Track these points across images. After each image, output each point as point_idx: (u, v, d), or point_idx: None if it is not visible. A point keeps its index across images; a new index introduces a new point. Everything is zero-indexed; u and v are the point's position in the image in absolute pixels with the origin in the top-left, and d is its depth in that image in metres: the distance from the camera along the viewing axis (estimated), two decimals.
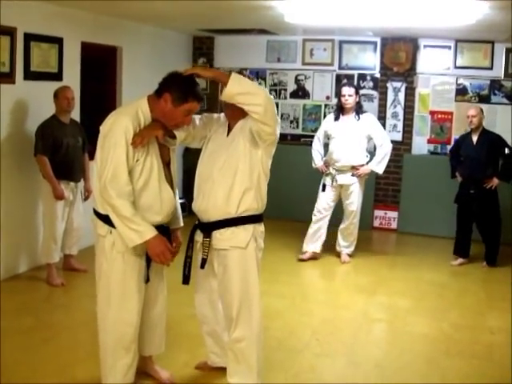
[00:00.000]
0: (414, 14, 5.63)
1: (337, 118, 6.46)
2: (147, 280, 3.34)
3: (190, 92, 3.12)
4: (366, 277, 6.14)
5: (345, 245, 6.62)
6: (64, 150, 5.47)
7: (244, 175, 3.27)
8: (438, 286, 5.88)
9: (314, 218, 6.55)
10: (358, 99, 6.40)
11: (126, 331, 3.27)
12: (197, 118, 3.43)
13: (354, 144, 6.34)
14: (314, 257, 6.54)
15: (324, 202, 6.51)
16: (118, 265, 3.21)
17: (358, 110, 6.40)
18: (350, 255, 6.62)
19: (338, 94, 6.52)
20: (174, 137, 3.31)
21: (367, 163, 6.44)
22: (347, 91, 6.32)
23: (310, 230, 6.53)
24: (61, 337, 4.42)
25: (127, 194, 3.05)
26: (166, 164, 3.30)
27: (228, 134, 3.38)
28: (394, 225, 8.12)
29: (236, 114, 3.31)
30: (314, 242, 6.53)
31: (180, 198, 3.71)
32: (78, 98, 6.28)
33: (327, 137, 6.56)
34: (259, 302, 3.42)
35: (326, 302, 5.40)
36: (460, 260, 6.56)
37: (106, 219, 3.17)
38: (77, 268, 5.88)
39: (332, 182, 6.42)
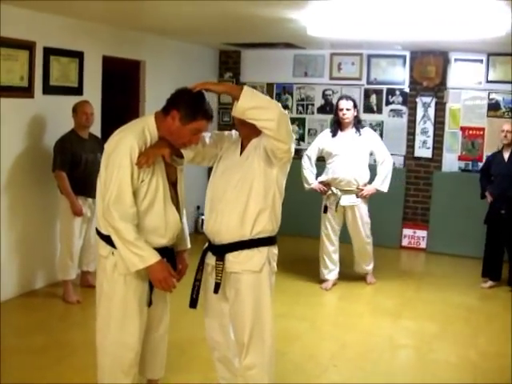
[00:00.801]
0: (443, 26, 5.45)
1: (335, 135, 6.01)
2: (150, 303, 3.21)
3: (199, 110, 2.97)
4: (391, 299, 5.91)
5: (366, 267, 6.32)
6: (83, 166, 5.40)
7: (259, 195, 3.12)
8: (465, 310, 5.63)
9: (326, 244, 6.14)
10: (356, 113, 5.95)
11: (125, 355, 3.14)
12: (206, 135, 3.28)
13: (359, 161, 5.94)
14: (335, 283, 6.22)
15: (332, 227, 6.10)
16: (119, 287, 3.08)
17: (357, 124, 5.97)
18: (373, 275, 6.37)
19: (335, 109, 6.06)
20: (181, 156, 3.17)
21: (369, 181, 6.05)
22: (345, 105, 5.88)
23: (326, 257, 6.15)
24: (75, 356, 4.31)
25: (131, 217, 2.93)
26: (173, 184, 3.16)
27: (241, 153, 3.22)
28: (423, 244, 7.87)
29: (250, 132, 3.15)
30: (332, 269, 6.17)
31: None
32: (99, 113, 6.26)
33: (324, 155, 6.08)
34: (272, 328, 3.25)
35: (347, 326, 5.19)
36: (490, 283, 6.28)
37: (108, 240, 3.05)
38: (94, 285, 5.73)
39: (336, 205, 5.97)
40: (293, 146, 3.10)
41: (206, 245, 3.33)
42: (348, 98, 6.04)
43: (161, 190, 3.03)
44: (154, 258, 2.96)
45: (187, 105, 2.94)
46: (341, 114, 5.90)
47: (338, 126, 6.02)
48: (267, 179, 3.13)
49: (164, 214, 3.06)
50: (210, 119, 3.03)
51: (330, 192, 6.00)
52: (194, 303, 3.28)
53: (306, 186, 6.10)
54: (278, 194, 3.19)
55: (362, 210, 6.08)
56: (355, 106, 5.97)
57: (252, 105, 2.89)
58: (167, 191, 3.08)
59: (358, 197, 5.98)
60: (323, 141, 6.09)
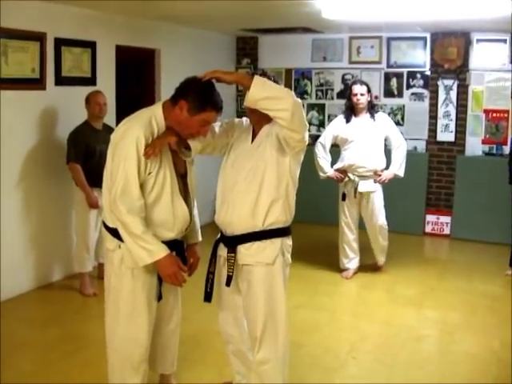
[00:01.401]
0: (464, 5, 5.26)
1: (348, 120, 5.84)
2: (160, 298, 3.13)
3: (208, 100, 2.86)
4: (413, 288, 5.77)
5: (382, 257, 6.18)
6: (97, 157, 5.32)
7: (271, 185, 3.01)
8: (490, 299, 5.47)
9: (345, 232, 6.03)
10: (369, 98, 5.79)
11: (134, 351, 3.08)
12: (216, 125, 3.18)
13: (375, 146, 5.80)
14: (355, 272, 6.11)
15: (351, 215, 5.99)
16: (127, 281, 3.01)
17: (371, 109, 5.82)
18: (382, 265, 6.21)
19: (348, 93, 5.89)
20: (189, 148, 3.07)
21: (386, 167, 5.91)
22: (359, 90, 5.71)
23: (346, 246, 6.05)
24: (88, 350, 4.27)
25: (138, 210, 2.84)
26: (182, 176, 3.07)
27: (253, 141, 3.12)
28: (446, 230, 7.70)
29: (261, 118, 3.03)
30: (352, 257, 6.08)
31: None
32: (114, 103, 6.20)
33: (338, 141, 5.94)
34: (286, 321, 3.16)
35: (367, 316, 5.08)
36: None
37: (114, 233, 2.97)
38: None
39: (355, 192, 5.82)
40: (306, 135, 3.00)
41: (219, 236, 3.24)
42: (362, 82, 5.87)
43: (168, 183, 2.95)
44: (162, 252, 2.88)
45: (196, 95, 2.84)
46: (355, 99, 5.75)
47: (351, 111, 5.87)
48: (280, 168, 3.03)
49: (172, 206, 2.97)
50: (219, 111, 2.92)
51: (347, 179, 5.86)
52: (208, 297, 3.20)
53: (321, 174, 5.95)
54: (291, 183, 3.08)
55: (378, 198, 5.93)
56: (369, 90, 5.80)
57: (264, 95, 2.79)
58: (175, 183, 2.99)
59: (375, 182, 5.86)
60: (337, 127, 5.93)
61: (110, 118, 5.86)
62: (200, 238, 3.33)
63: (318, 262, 6.39)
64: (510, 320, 4.96)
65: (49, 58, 5.38)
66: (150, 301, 3.07)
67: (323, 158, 5.90)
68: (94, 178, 5.30)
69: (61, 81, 5.54)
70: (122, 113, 6.31)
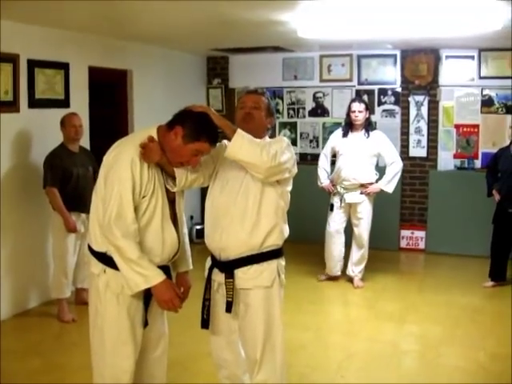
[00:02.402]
0: (434, 23, 5.37)
1: (345, 135, 6.18)
2: (145, 324, 3.04)
3: (204, 131, 2.82)
4: (393, 303, 5.79)
5: (358, 269, 6.30)
6: (74, 181, 5.26)
7: (269, 209, 3.01)
8: (471, 311, 5.52)
9: (330, 240, 6.29)
10: (367, 115, 6.11)
11: (120, 377, 2.97)
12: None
13: (363, 161, 6.06)
14: (335, 278, 6.36)
15: (336, 224, 6.24)
16: (111, 307, 2.90)
17: (368, 126, 6.14)
18: (362, 279, 6.32)
19: (347, 110, 6.20)
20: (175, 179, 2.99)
21: (376, 181, 6.17)
22: (357, 107, 6.04)
23: (327, 254, 6.35)
24: (71, 379, 4.14)
25: (133, 234, 2.76)
26: (171, 201, 3.00)
27: None
28: (421, 245, 7.77)
29: (252, 132, 2.99)
30: (335, 264, 6.33)
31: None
32: (87, 125, 6.11)
33: (334, 153, 6.29)
34: (282, 342, 3.14)
35: (352, 333, 5.06)
36: (493, 282, 6.17)
37: (99, 257, 2.89)
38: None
39: (340, 201, 6.13)
40: (293, 168, 3.06)
41: (210, 262, 3.18)
42: (361, 100, 6.26)
43: (159, 207, 2.87)
44: (158, 277, 2.80)
45: (193, 123, 2.80)
46: (353, 116, 6.07)
47: (349, 127, 6.18)
48: (270, 192, 3.02)
49: (161, 232, 2.90)
50: (213, 143, 2.88)
51: (335, 190, 6.15)
52: (205, 323, 3.14)
53: (318, 183, 6.30)
54: (283, 204, 3.09)
55: (364, 208, 6.16)
56: (367, 108, 6.13)
57: (239, 157, 2.87)
58: (166, 209, 2.92)
59: (361, 193, 6.09)
60: (334, 140, 6.29)
61: (84, 140, 5.79)
62: (191, 266, 3.24)
63: (300, 280, 6.36)
64: (493, 331, 5.02)
65: (22, 80, 5.30)
66: (135, 327, 2.97)
67: (323, 168, 6.27)
68: (72, 202, 5.24)
69: (34, 103, 5.45)
70: (96, 135, 6.30)
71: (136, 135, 2.95)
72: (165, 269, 2.97)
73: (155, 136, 2.87)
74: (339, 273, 6.36)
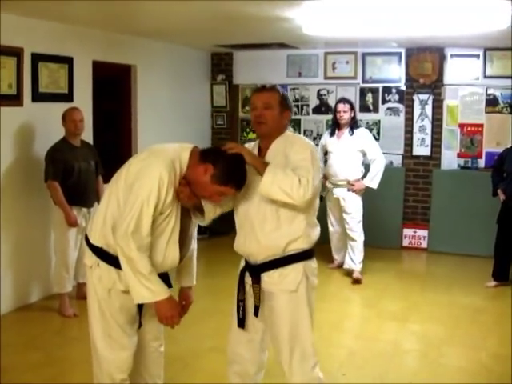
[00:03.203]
0: (439, 22, 5.34)
1: (332, 134, 6.53)
2: (140, 325, 3.03)
3: (234, 177, 2.79)
4: (395, 302, 5.77)
5: (354, 262, 6.46)
6: (76, 175, 5.25)
7: (289, 212, 2.90)
8: (473, 311, 5.50)
9: (331, 230, 6.73)
10: (353, 114, 6.41)
11: (114, 372, 2.97)
12: None
13: (349, 159, 6.37)
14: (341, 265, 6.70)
15: (333, 215, 6.68)
16: (103, 300, 2.92)
17: (353, 125, 6.41)
18: (361, 273, 6.46)
19: (334, 110, 6.54)
20: (202, 210, 2.96)
21: (362, 178, 6.41)
22: (342, 107, 6.35)
23: (334, 240, 6.80)
24: (72, 373, 4.15)
25: (146, 247, 2.75)
26: (183, 216, 2.95)
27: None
28: (424, 244, 7.74)
29: (269, 131, 2.97)
30: (339, 251, 6.77)
31: None
32: (91, 119, 6.11)
33: (325, 152, 6.60)
34: (312, 346, 3.02)
35: (354, 332, 5.06)
36: (495, 282, 6.16)
37: (95, 250, 2.89)
38: None
39: (327, 194, 6.46)
40: (318, 176, 2.92)
41: (243, 264, 3.14)
42: (346, 101, 6.48)
43: (170, 227, 2.84)
44: (164, 293, 2.80)
45: (224, 166, 2.75)
46: (338, 115, 6.40)
47: (336, 126, 6.50)
48: None
49: (165, 249, 2.87)
50: (240, 189, 2.86)
51: (326, 185, 6.50)
52: (241, 323, 3.09)
53: None
54: (310, 204, 2.93)
55: (351, 204, 6.43)
56: (352, 107, 6.42)
57: (272, 195, 2.81)
58: (177, 229, 2.88)
59: (348, 190, 6.40)
60: (324, 139, 6.66)
61: (87, 134, 5.80)
62: (194, 282, 3.23)
63: None
64: (495, 331, 5.00)
65: (26, 74, 5.29)
66: (127, 322, 2.96)
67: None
68: (73, 196, 5.23)
69: (38, 97, 5.44)
70: (99, 129, 6.29)
71: (169, 150, 2.86)
72: (164, 275, 2.95)
73: (187, 157, 2.82)
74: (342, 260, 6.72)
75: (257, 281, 2.98)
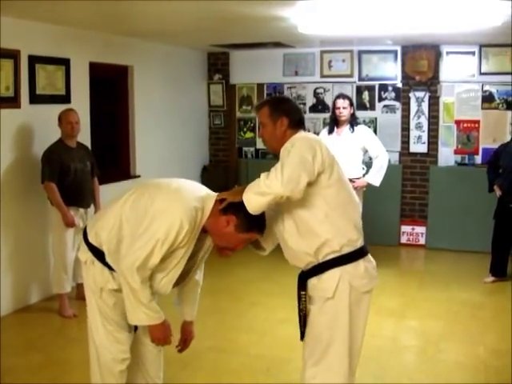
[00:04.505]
0: (435, 19, 5.37)
1: (331, 131, 6.35)
2: (136, 328, 3.07)
3: (257, 223, 2.79)
4: (393, 298, 5.80)
5: None
6: (72, 176, 5.27)
7: (302, 226, 2.79)
8: (471, 307, 5.53)
9: None
10: (352, 111, 6.27)
11: (112, 368, 3.02)
12: None
13: (350, 157, 6.10)
14: None
15: None
16: (96, 297, 2.97)
17: (353, 122, 6.27)
18: None
19: (332, 107, 6.39)
20: (258, 244, 2.97)
21: (363, 175, 6.29)
22: (341, 103, 6.19)
23: None
24: (72, 374, 4.15)
25: (148, 277, 2.77)
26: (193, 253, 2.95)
27: None
28: (422, 240, 7.77)
29: (274, 143, 2.88)
30: None
31: None
32: (88, 121, 6.12)
33: None
34: (343, 360, 2.83)
35: None
36: (493, 278, 6.19)
37: (92, 247, 2.92)
38: None
39: None
40: (314, 167, 2.71)
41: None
42: (345, 96, 6.29)
43: (172, 265, 2.83)
44: (160, 318, 2.84)
45: (247, 215, 2.72)
46: (337, 112, 6.19)
47: (334, 123, 6.32)
48: (302, 210, 2.78)
49: (159, 282, 2.86)
50: (262, 233, 2.86)
51: None
52: (302, 335, 2.97)
53: None
54: (328, 209, 2.77)
55: None
56: (351, 104, 6.25)
57: (254, 204, 2.65)
58: (178, 269, 2.86)
59: None
60: (322, 137, 6.25)
61: (84, 135, 5.81)
62: (194, 318, 3.23)
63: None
64: (493, 327, 5.03)
65: (23, 76, 5.30)
66: (123, 319, 2.97)
67: None
68: (70, 197, 5.25)
69: (35, 99, 5.45)
70: (97, 130, 6.31)
71: (195, 196, 2.82)
72: None
73: (210, 208, 2.79)
74: None
75: (303, 288, 2.90)
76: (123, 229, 2.83)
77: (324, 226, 2.76)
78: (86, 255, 2.97)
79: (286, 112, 2.88)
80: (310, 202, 2.75)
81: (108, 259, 2.88)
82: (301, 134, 2.87)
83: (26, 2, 4.42)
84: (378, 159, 6.24)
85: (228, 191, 2.84)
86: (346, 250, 2.78)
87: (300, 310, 2.91)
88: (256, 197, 2.64)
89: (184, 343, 3.21)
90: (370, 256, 2.90)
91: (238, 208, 2.71)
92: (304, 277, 2.89)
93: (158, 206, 2.75)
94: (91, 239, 2.95)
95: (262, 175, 2.66)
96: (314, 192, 2.74)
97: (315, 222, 2.77)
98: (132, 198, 2.87)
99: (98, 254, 2.91)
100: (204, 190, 2.92)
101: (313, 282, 2.85)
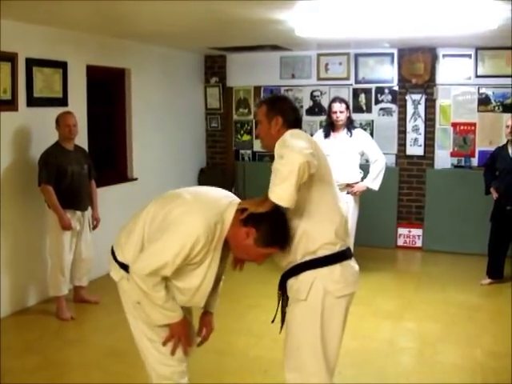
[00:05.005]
0: (431, 22, 5.39)
1: (327, 135, 6.20)
2: None
3: (278, 238, 2.71)
4: (391, 300, 5.82)
5: None
6: (69, 178, 5.27)
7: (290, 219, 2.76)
8: (468, 309, 5.54)
9: None
10: (349, 114, 6.15)
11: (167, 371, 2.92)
12: None
13: (348, 161, 6.08)
14: None
15: None
16: (135, 310, 2.89)
17: (350, 125, 6.15)
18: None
19: (328, 111, 6.25)
20: None
21: (361, 180, 6.22)
22: (338, 107, 6.06)
23: None
24: (68, 377, 4.17)
25: (162, 281, 2.70)
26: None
27: None
28: (418, 243, 7.79)
29: (269, 137, 2.87)
30: None
31: None
32: (85, 124, 6.13)
33: None
34: (318, 365, 2.81)
35: (349, 330, 5.01)
36: (490, 280, 6.21)
37: (123, 265, 2.85)
38: (88, 299, 5.68)
39: None
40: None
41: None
42: (341, 100, 6.19)
43: (205, 280, 2.77)
44: (178, 316, 2.80)
45: (268, 229, 2.66)
46: (334, 116, 6.08)
47: (330, 127, 6.20)
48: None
49: (192, 295, 2.81)
50: (284, 248, 2.75)
51: None
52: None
53: None
54: (310, 209, 2.72)
55: (351, 210, 6.09)
56: (348, 107, 6.14)
57: (284, 195, 2.52)
58: (210, 275, 2.78)
59: (348, 193, 6.08)
60: (317, 139, 6.04)
61: (81, 138, 5.82)
62: (215, 309, 3.13)
63: None
64: (490, 329, 5.04)
65: (20, 79, 5.31)
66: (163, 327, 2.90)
67: None
68: (67, 200, 5.25)
69: (33, 102, 5.46)
70: (94, 133, 6.31)
71: (214, 205, 2.72)
72: None
73: (230, 218, 2.70)
74: None
75: (281, 287, 2.90)
76: (145, 244, 2.79)
77: (302, 224, 2.72)
78: (118, 274, 2.89)
79: (282, 111, 2.87)
80: (304, 194, 2.68)
81: None
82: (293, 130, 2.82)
83: (23, 4, 4.42)
84: (377, 163, 6.18)
85: (250, 200, 2.74)
86: (322, 253, 2.75)
87: (281, 311, 2.93)
88: (281, 186, 2.49)
89: (203, 337, 3.09)
90: (351, 261, 2.85)
91: (259, 220, 2.63)
92: (284, 277, 2.88)
93: (176, 218, 2.68)
94: (120, 258, 2.88)
95: (273, 167, 2.56)
96: (306, 190, 2.69)
97: (294, 216, 2.72)
98: (152, 212, 2.81)
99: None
100: (227, 198, 2.81)
101: (290, 283, 2.84)
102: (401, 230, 7.88)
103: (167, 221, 2.70)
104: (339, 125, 6.13)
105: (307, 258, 2.76)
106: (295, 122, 2.89)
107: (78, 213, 5.39)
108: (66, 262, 5.34)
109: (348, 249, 2.85)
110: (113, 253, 2.93)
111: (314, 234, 2.74)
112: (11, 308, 5.37)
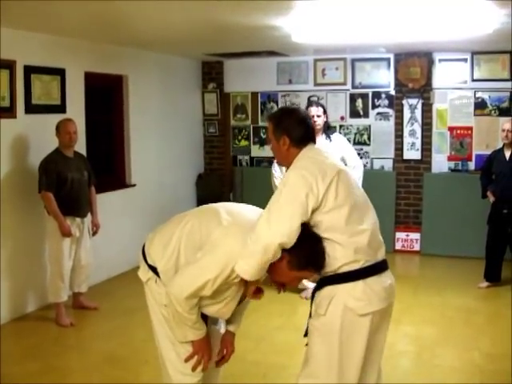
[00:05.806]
0: (427, 27, 5.42)
1: None
2: None
3: (313, 261, 2.67)
4: None
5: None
6: (69, 185, 5.29)
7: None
8: (465, 312, 5.57)
9: None
10: (326, 119, 5.86)
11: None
12: None
13: None
14: None
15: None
16: (161, 314, 2.91)
17: (327, 130, 5.88)
18: None
19: None
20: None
21: None
22: (315, 111, 5.76)
23: None
24: (70, 382, 4.18)
25: (196, 304, 2.74)
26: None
27: None
28: (416, 247, 7.82)
29: (280, 156, 2.88)
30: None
31: None
32: (84, 130, 6.15)
33: None
34: (332, 380, 2.76)
35: None
36: (487, 283, 6.23)
37: (152, 267, 2.88)
38: (87, 306, 5.69)
39: None
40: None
41: None
42: (318, 104, 5.96)
43: (235, 297, 2.83)
44: (202, 334, 2.84)
45: (301, 252, 2.62)
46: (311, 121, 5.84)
47: None
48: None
49: (216, 312, 2.86)
50: (320, 270, 2.71)
51: None
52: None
53: None
54: (330, 232, 2.68)
55: None
56: (325, 111, 5.87)
57: (251, 273, 2.63)
58: (238, 298, 2.85)
59: None
60: None
61: (80, 145, 5.84)
62: (234, 329, 3.15)
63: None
64: (487, 332, 5.06)
65: (18, 86, 5.33)
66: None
67: (279, 178, 5.74)
68: (67, 207, 5.26)
69: (31, 109, 5.49)
70: (92, 139, 6.34)
71: (251, 228, 2.65)
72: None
73: None
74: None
75: (313, 295, 2.88)
76: (180, 259, 2.80)
77: (335, 241, 2.67)
78: (147, 275, 2.92)
79: (287, 130, 2.81)
80: (313, 219, 2.67)
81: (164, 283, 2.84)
82: (304, 154, 2.79)
83: (21, 12, 4.45)
84: (356, 169, 5.81)
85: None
86: (343, 270, 2.69)
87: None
88: (248, 261, 2.58)
89: (223, 357, 3.08)
90: (381, 276, 2.76)
91: (293, 246, 2.60)
92: (317, 286, 2.83)
93: (215, 240, 2.70)
94: (151, 261, 2.90)
95: (253, 233, 2.60)
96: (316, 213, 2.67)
97: (320, 232, 2.68)
98: (189, 226, 2.82)
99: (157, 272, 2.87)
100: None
101: (316, 295, 2.82)
102: (399, 234, 7.90)
103: (208, 242, 2.72)
104: (317, 129, 5.75)
105: (327, 275, 2.74)
106: (304, 138, 2.83)
107: (78, 219, 5.41)
108: (65, 269, 5.35)
109: (377, 264, 2.76)
110: (143, 253, 2.95)
111: (333, 254, 2.68)
112: (11, 314, 5.38)
